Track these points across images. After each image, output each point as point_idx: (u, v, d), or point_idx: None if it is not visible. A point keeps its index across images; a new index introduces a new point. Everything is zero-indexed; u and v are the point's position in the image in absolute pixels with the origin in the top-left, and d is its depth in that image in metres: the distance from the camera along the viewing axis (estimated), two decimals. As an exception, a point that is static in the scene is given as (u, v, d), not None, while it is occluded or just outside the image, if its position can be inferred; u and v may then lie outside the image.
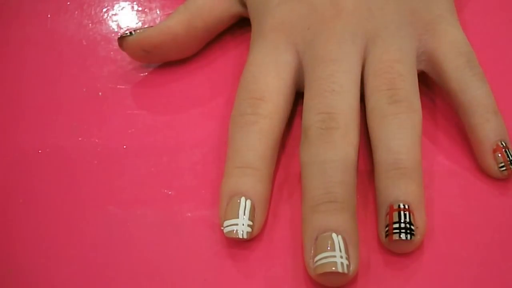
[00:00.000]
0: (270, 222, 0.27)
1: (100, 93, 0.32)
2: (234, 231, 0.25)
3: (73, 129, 0.30)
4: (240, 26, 0.34)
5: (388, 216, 0.24)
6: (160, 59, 0.33)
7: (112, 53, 0.34)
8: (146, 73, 0.33)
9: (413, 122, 0.26)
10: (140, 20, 0.36)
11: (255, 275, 0.25)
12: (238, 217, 0.25)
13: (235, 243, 0.26)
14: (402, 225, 0.24)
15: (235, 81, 0.30)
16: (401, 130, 0.26)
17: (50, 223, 0.27)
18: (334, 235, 0.23)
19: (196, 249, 0.26)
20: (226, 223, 0.25)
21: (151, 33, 0.31)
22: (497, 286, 0.24)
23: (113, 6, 0.37)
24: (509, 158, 0.27)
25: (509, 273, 0.25)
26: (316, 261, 0.23)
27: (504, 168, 0.27)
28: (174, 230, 0.26)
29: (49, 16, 0.36)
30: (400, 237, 0.24)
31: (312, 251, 0.24)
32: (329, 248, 0.23)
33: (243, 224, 0.25)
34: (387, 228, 0.24)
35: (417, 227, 0.24)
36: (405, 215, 0.24)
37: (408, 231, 0.24)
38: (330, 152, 0.25)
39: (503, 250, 0.25)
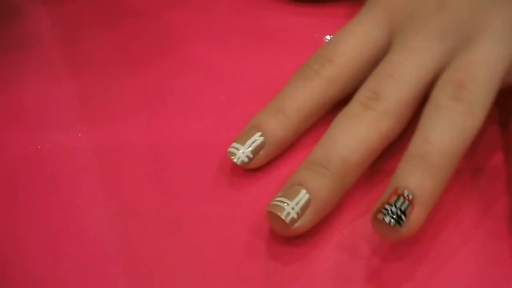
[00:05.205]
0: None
1: (100, 90, 0.32)
2: (233, 154, 0.26)
3: (73, 125, 0.30)
4: (243, 28, 0.34)
5: (388, 196, 0.23)
6: None
7: (112, 50, 0.34)
8: (147, 71, 0.33)
9: (464, 125, 0.25)
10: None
11: (254, 270, 0.24)
12: (243, 145, 0.26)
13: (235, 239, 0.25)
14: (394, 209, 0.23)
15: (235, 80, 0.31)
16: (448, 128, 0.25)
17: (49, 219, 0.26)
18: (303, 191, 0.24)
19: (195, 245, 0.25)
20: (232, 144, 0.27)
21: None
22: (497, 286, 0.24)
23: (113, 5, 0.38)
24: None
25: (509, 272, 0.24)
26: (272, 200, 0.24)
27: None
28: (173, 227, 0.26)
29: (49, 14, 0.37)
30: (384, 218, 0.23)
31: (279, 193, 0.25)
32: (290, 197, 0.24)
33: (243, 153, 0.26)
34: (379, 206, 0.23)
35: (408, 221, 0.23)
36: (403, 203, 0.23)
37: (396, 217, 0.23)
38: (353, 127, 0.26)
39: (503, 250, 0.24)
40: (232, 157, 0.26)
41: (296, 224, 0.24)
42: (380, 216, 0.22)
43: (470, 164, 0.27)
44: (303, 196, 0.24)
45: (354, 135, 0.25)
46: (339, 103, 0.28)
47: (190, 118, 0.30)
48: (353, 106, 0.26)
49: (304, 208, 0.24)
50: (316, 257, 0.24)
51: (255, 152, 0.26)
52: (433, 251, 0.24)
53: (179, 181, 0.28)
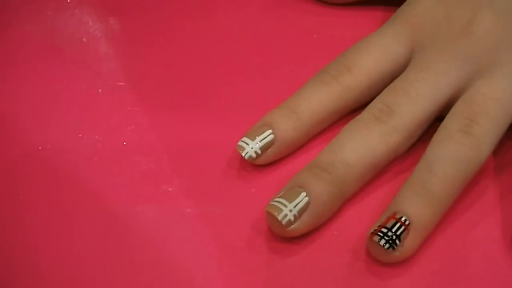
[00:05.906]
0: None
1: (100, 90, 0.32)
2: (241, 148, 0.27)
3: (73, 125, 0.30)
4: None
5: (386, 219, 0.24)
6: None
7: (112, 50, 0.34)
8: (146, 70, 0.33)
9: (469, 159, 0.25)
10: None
11: (255, 271, 0.25)
12: (253, 140, 0.27)
13: (234, 239, 0.25)
14: (390, 233, 0.23)
15: (235, 80, 0.31)
16: (452, 160, 0.25)
17: (50, 219, 0.26)
18: (303, 194, 0.25)
19: (195, 245, 0.25)
20: (242, 138, 0.27)
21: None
22: (497, 285, 0.24)
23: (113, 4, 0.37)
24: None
25: (509, 271, 0.24)
26: (272, 200, 0.25)
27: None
28: (173, 227, 0.26)
29: (49, 13, 0.36)
30: (379, 241, 0.23)
31: (279, 194, 0.25)
32: (289, 198, 0.24)
33: (251, 148, 0.27)
34: (376, 227, 0.24)
35: (402, 246, 0.24)
36: (399, 227, 0.24)
37: (391, 241, 0.23)
38: (362, 136, 0.26)
39: (502, 249, 0.25)
40: (241, 151, 0.26)
41: (292, 226, 0.24)
42: (376, 238, 0.23)
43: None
44: (302, 198, 0.24)
45: (362, 144, 0.26)
46: (354, 110, 0.28)
47: (191, 117, 0.30)
48: (365, 116, 0.27)
49: (302, 211, 0.24)
50: (316, 258, 0.25)
51: (264, 149, 0.26)
52: (434, 251, 0.25)
53: (180, 180, 0.28)
